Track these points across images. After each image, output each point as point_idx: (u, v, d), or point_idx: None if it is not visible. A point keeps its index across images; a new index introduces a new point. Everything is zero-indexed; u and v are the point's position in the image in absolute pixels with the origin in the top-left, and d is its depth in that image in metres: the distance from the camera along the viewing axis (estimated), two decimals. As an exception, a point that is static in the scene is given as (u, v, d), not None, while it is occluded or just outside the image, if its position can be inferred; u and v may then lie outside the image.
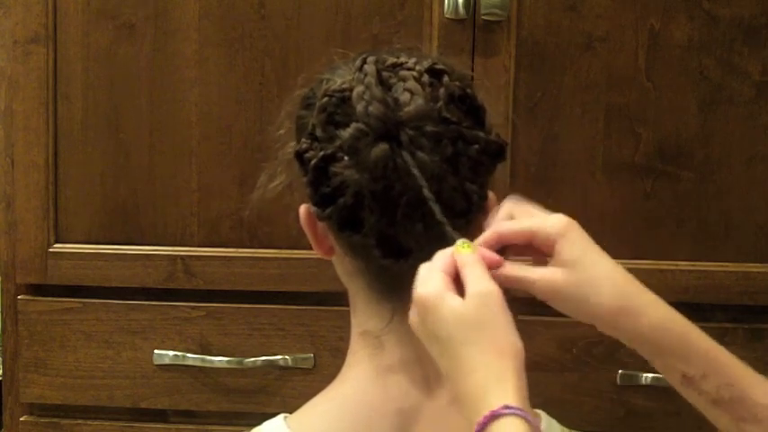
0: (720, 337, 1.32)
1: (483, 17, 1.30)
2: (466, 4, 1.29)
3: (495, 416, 0.66)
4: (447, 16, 1.30)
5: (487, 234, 0.76)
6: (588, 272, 0.75)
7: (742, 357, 1.36)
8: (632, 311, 0.75)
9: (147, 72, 1.35)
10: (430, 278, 0.73)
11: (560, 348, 1.34)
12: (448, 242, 0.75)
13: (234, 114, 1.35)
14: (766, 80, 1.33)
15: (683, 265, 1.34)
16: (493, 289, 0.71)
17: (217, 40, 1.34)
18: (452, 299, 0.71)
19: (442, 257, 0.74)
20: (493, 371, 0.69)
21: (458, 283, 0.72)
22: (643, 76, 1.33)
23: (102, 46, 1.35)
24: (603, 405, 1.36)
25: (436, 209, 0.75)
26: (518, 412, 0.66)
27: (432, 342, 0.73)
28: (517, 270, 0.75)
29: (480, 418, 0.67)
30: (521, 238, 0.76)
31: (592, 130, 1.34)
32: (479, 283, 0.71)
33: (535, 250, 0.77)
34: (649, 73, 1.33)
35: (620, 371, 1.33)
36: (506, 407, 0.67)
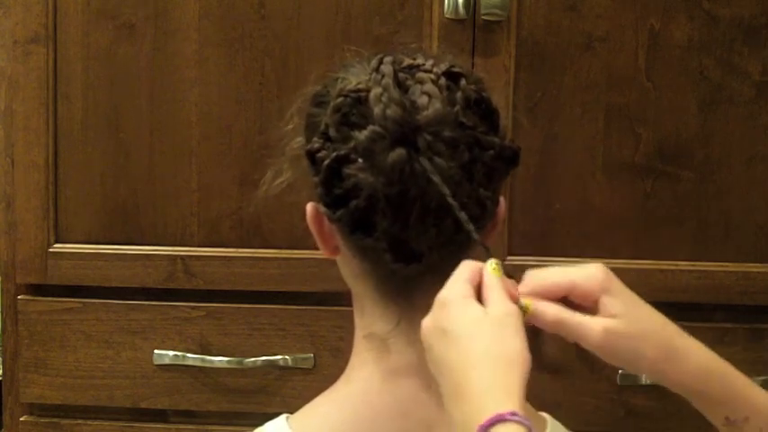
0: (720, 337, 1.34)
1: (483, 17, 1.30)
2: (466, 4, 1.29)
3: (501, 419, 0.66)
4: (447, 16, 1.30)
5: (526, 284, 0.75)
6: (637, 324, 0.75)
7: (742, 357, 1.36)
8: (677, 357, 0.76)
9: (147, 72, 1.35)
10: (456, 283, 0.72)
11: (560, 348, 1.33)
12: (461, 246, 0.75)
13: (234, 114, 1.35)
14: (766, 80, 1.33)
15: (683, 265, 1.34)
16: (514, 307, 0.71)
17: (217, 40, 1.34)
18: (473, 304, 0.71)
19: (470, 269, 0.74)
20: (500, 375, 0.68)
21: (479, 298, 0.72)
22: (643, 76, 1.33)
23: (102, 46, 1.35)
24: (603, 405, 1.36)
25: (462, 216, 0.75)
26: (525, 422, 0.66)
27: (437, 336, 0.71)
28: (562, 314, 0.74)
29: (487, 416, 0.66)
30: (559, 289, 0.75)
31: (592, 130, 1.34)
32: (504, 303, 0.71)
33: (569, 303, 0.76)
34: (649, 73, 1.33)
35: (620, 371, 1.33)
36: (514, 413, 0.66)
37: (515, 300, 0.73)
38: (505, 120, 1.30)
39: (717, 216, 1.35)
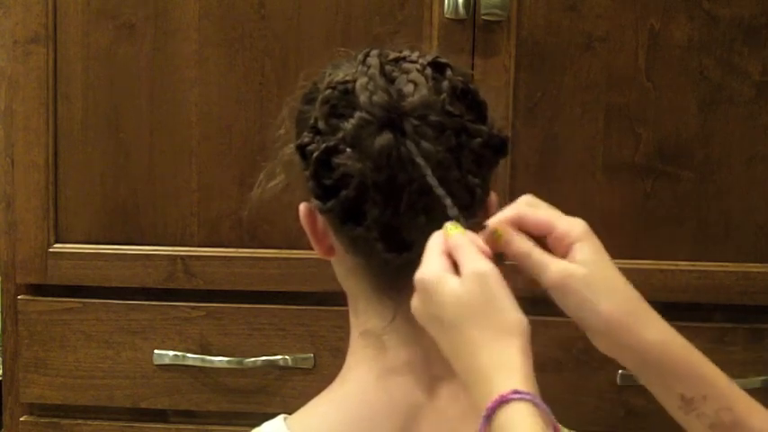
0: (720, 337, 1.34)
1: (483, 17, 1.30)
2: (466, 4, 1.29)
3: (503, 401, 0.65)
4: (447, 16, 1.30)
5: (507, 213, 0.76)
6: (603, 276, 0.74)
7: (742, 357, 1.37)
8: (638, 323, 0.74)
9: (147, 72, 1.35)
10: (429, 260, 0.73)
11: (560, 348, 1.34)
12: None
13: (234, 114, 1.35)
14: (766, 80, 1.33)
15: (683, 265, 1.34)
16: (488, 267, 0.71)
17: (217, 40, 1.34)
18: (451, 280, 0.71)
19: (438, 240, 0.74)
20: (497, 352, 0.68)
21: (456, 265, 0.72)
22: (643, 76, 1.33)
23: (102, 46, 1.35)
24: (603, 405, 1.36)
25: (440, 192, 0.75)
26: (526, 396, 0.66)
27: (433, 325, 0.72)
28: (532, 248, 0.74)
29: (489, 403, 0.66)
30: (540, 226, 0.76)
31: (592, 130, 1.34)
32: (474, 262, 0.71)
33: (545, 248, 0.76)
34: (649, 73, 1.33)
35: (620, 371, 1.33)
36: (516, 391, 0.65)
37: (487, 253, 0.73)
38: (505, 120, 1.31)
39: (717, 216, 1.35)
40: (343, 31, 1.33)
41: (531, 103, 1.33)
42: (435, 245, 0.74)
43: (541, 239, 0.76)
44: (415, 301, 0.73)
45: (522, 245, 0.74)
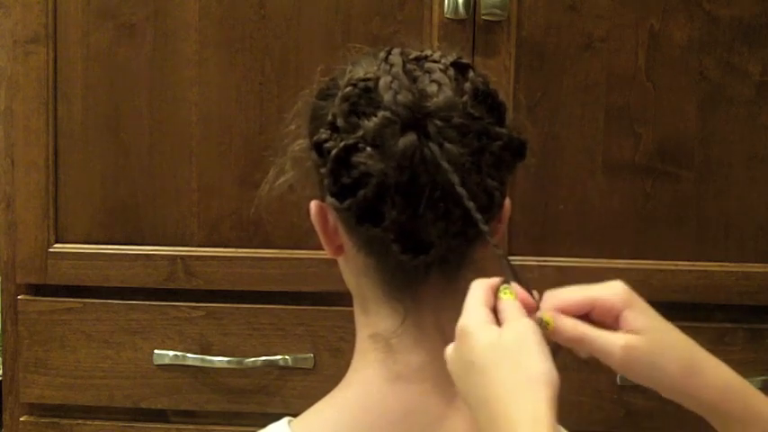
0: (720, 337, 1.34)
1: (483, 17, 1.30)
2: (466, 4, 1.29)
3: None
4: (447, 16, 1.30)
5: (547, 302, 0.75)
6: (661, 338, 0.74)
7: (742, 357, 1.36)
8: (698, 371, 0.75)
9: (147, 72, 1.35)
10: (474, 310, 0.72)
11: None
12: (469, 239, 0.75)
13: (234, 114, 1.35)
14: (766, 80, 1.33)
15: (683, 265, 1.34)
16: (529, 322, 0.71)
17: (217, 40, 1.34)
18: (491, 329, 0.71)
19: (482, 290, 0.73)
20: (524, 401, 0.68)
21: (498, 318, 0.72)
22: (643, 76, 1.33)
23: (102, 46, 1.35)
24: (603, 405, 1.36)
25: (470, 205, 0.74)
26: None
27: (463, 370, 0.72)
28: (584, 332, 0.73)
29: None
30: (581, 305, 0.75)
31: (592, 130, 1.34)
32: (516, 316, 0.71)
33: (591, 321, 0.75)
34: (649, 73, 1.33)
35: (620, 371, 1.33)
36: None
37: (532, 310, 0.73)
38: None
39: (717, 216, 1.35)
40: (344, 31, 1.33)
41: (531, 103, 1.33)
42: (479, 295, 0.73)
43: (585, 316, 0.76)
44: (450, 350, 0.73)
45: (574, 331, 0.73)
